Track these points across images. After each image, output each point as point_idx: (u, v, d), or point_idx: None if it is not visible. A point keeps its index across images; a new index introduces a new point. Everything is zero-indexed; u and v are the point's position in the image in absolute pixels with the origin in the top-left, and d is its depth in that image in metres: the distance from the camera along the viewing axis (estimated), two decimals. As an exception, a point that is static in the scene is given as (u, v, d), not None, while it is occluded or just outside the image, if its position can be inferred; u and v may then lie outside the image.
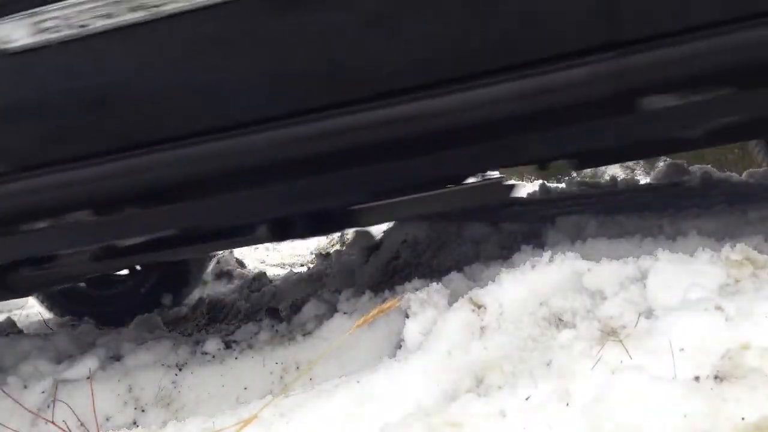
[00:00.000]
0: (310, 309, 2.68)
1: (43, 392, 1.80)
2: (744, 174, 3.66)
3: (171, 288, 3.83)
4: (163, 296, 3.75)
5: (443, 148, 1.76)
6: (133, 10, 1.45)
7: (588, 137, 1.82)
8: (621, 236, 2.21)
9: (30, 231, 1.70)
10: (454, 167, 1.99)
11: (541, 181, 6.69)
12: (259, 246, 7.30)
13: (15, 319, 3.35)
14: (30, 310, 4.01)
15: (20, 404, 1.70)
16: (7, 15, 1.48)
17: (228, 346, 2.12)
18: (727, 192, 2.97)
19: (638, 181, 4.89)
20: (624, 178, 5.08)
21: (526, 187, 5.33)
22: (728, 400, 1.12)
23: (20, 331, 3.00)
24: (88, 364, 1.96)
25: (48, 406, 1.70)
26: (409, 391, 1.68)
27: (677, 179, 3.98)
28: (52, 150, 1.68)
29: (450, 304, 2.07)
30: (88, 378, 1.87)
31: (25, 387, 1.84)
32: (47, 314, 3.66)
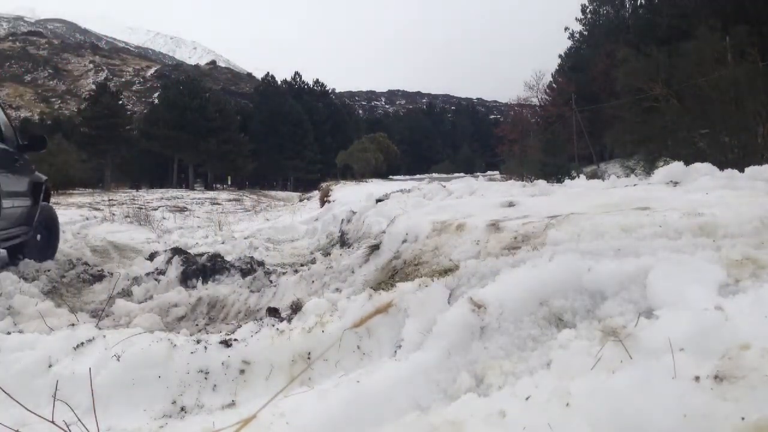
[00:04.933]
0: (310, 308, 2.68)
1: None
2: (746, 171, 3.65)
3: None
4: None
5: None
6: None
7: None
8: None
9: None
10: None
11: (542, 181, 6.69)
12: (259, 246, 7.30)
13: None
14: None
15: (20, 404, 1.70)
16: None
17: (228, 345, 2.13)
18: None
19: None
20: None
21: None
22: (728, 400, 1.12)
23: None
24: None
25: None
26: (409, 391, 1.68)
27: (678, 179, 3.98)
28: None
29: (450, 303, 2.08)
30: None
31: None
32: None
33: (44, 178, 6.21)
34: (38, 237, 5.84)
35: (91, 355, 2.12)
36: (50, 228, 6.10)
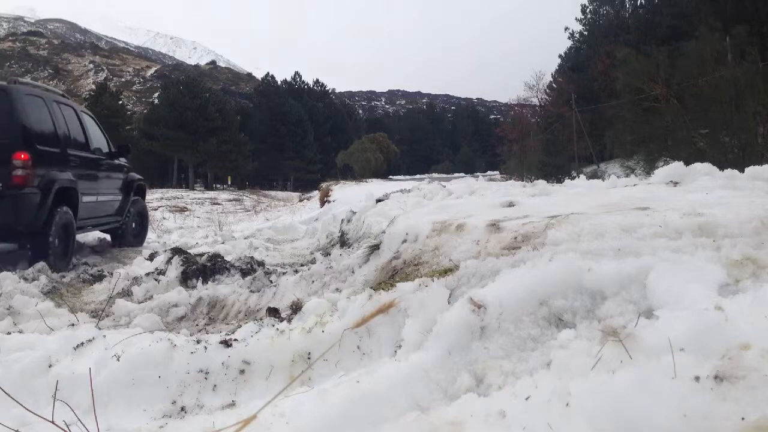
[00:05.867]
0: (310, 308, 2.68)
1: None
2: (746, 171, 3.65)
3: None
4: None
5: None
6: None
7: None
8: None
9: None
10: None
11: (542, 181, 6.69)
12: (259, 246, 7.30)
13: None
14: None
15: (20, 404, 1.70)
16: None
17: (228, 345, 2.13)
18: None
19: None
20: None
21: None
22: (728, 400, 1.12)
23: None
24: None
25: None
26: (409, 391, 1.68)
27: (678, 179, 3.98)
28: None
29: (450, 303, 2.08)
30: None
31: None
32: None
33: (137, 177, 8.16)
34: (133, 225, 7.95)
35: (91, 355, 2.12)
36: (143, 218, 8.32)
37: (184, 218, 16.37)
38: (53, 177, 5.63)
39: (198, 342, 2.17)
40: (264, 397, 1.80)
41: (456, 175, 38.34)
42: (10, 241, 5.51)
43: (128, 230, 7.79)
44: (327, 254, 5.64)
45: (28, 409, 1.64)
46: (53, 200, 5.53)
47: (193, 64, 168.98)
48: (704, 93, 16.94)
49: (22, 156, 5.21)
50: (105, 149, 7.35)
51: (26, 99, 5.66)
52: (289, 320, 2.67)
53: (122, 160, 7.88)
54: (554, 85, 44.81)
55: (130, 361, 2.04)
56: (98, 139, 7.25)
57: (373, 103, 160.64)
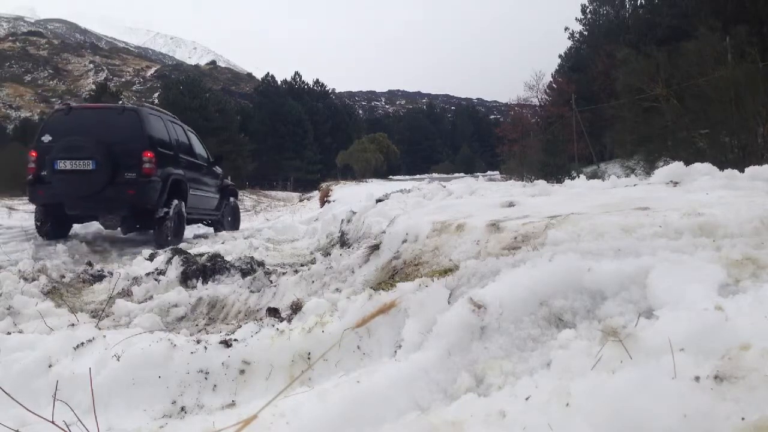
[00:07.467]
0: (310, 308, 2.68)
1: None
2: (746, 171, 3.65)
3: None
4: None
5: None
6: None
7: None
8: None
9: None
10: None
11: (542, 181, 6.69)
12: (259, 246, 7.30)
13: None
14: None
15: (20, 404, 1.71)
16: None
17: (228, 345, 2.12)
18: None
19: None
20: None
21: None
22: (728, 400, 1.12)
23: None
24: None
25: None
26: (409, 391, 1.68)
27: (678, 179, 3.97)
28: None
29: (450, 303, 2.08)
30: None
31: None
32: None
33: (230, 182, 10.97)
34: (229, 218, 10.72)
35: (91, 355, 2.12)
36: (234, 212, 11.16)
37: (184, 218, 16.33)
38: (169, 171, 7.97)
39: (198, 342, 2.17)
40: (264, 397, 1.80)
41: (456, 175, 38.32)
42: (144, 227, 7.96)
43: (224, 222, 10.47)
44: (327, 254, 5.64)
45: (28, 409, 1.64)
46: (169, 189, 7.80)
47: (193, 64, 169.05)
48: (704, 93, 16.94)
49: (149, 154, 7.47)
50: (205, 158, 9.80)
51: (150, 117, 7.99)
52: (289, 320, 2.67)
53: (218, 169, 10.26)
54: (554, 85, 44.82)
55: (130, 361, 2.04)
56: (199, 149, 9.77)
57: (373, 103, 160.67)
